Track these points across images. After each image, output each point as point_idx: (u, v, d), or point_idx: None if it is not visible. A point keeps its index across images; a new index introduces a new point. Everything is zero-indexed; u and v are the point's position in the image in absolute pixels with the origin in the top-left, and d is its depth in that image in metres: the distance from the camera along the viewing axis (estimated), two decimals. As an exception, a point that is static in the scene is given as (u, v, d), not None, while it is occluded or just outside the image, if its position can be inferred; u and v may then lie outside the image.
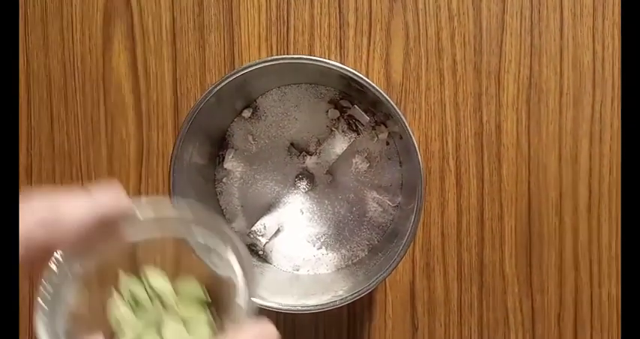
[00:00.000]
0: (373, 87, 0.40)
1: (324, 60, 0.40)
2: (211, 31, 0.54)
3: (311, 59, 0.40)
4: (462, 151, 0.53)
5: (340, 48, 0.53)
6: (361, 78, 0.40)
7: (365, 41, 0.53)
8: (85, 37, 0.55)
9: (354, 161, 0.48)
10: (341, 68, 0.40)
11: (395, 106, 0.40)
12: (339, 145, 0.47)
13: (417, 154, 0.38)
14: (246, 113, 0.49)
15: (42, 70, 0.55)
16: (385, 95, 0.40)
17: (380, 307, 0.53)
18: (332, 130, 0.48)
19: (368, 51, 0.53)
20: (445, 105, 0.53)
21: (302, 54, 0.53)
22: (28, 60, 0.55)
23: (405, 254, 0.41)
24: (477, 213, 0.53)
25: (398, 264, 0.40)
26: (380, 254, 0.45)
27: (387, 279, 0.53)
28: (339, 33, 0.53)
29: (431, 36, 0.53)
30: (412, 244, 0.53)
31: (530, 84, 0.52)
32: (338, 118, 0.48)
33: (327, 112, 0.48)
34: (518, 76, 0.52)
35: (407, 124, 0.39)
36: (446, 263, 0.53)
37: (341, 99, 0.48)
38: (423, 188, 0.39)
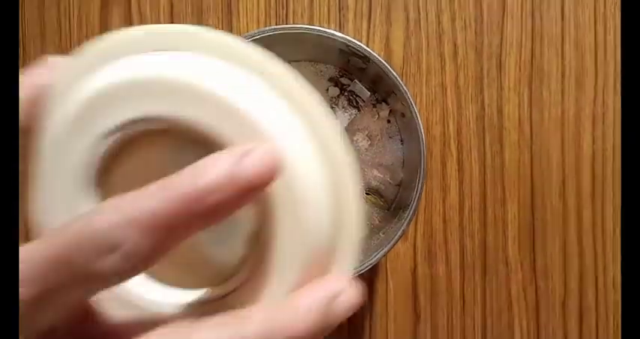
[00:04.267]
0: (373, 55, 0.39)
1: (324, 29, 0.39)
2: (210, 16, 0.53)
3: (310, 28, 0.39)
4: (464, 135, 0.52)
5: (340, 31, 0.53)
6: (362, 47, 0.39)
7: (365, 24, 0.52)
8: (82, 24, 0.54)
9: (354, 139, 0.48)
10: (341, 38, 0.39)
11: (394, 73, 0.39)
12: (340, 121, 0.46)
13: (417, 120, 0.37)
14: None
15: (38, 58, 0.55)
16: (387, 65, 0.39)
17: (381, 296, 0.52)
18: (332, 107, 0.47)
19: (368, 34, 0.53)
20: (446, 88, 0.52)
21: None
22: (25, 48, 0.55)
23: (407, 228, 0.40)
24: (479, 198, 0.52)
25: (400, 238, 0.39)
26: (381, 234, 0.45)
27: (387, 266, 0.52)
28: (338, 16, 0.53)
29: (431, 19, 0.52)
30: (414, 231, 0.52)
31: (531, 66, 0.52)
32: (338, 96, 0.47)
33: (327, 89, 0.48)
34: (520, 59, 0.52)
35: (406, 89, 0.39)
36: (448, 250, 0.52)
37: (341, 77, 0.48)
38: (425, 157, 0.38)
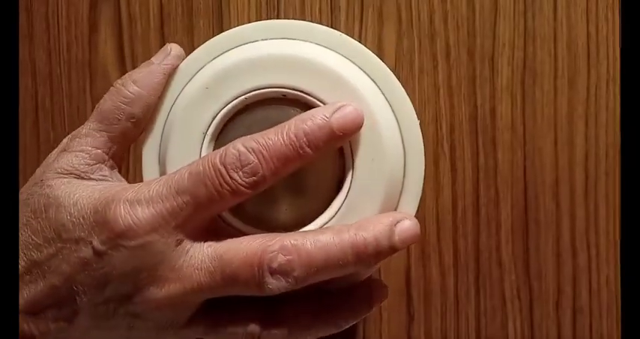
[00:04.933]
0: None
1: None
2: (200, 17, 0.53)
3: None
4: (457, 136, 0.52)
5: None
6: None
7: (357, 25, 0.52)
8: (70, 24, 0.54)
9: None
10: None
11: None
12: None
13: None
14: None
15: (27, 59, 0.54)
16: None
17: (375, 297, 0.52)
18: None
19: (360, 36, 0.52)
20: (439, 89, 0.52)
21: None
22: (13, 48, 0.54)
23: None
24: (472, 199, 0.52)
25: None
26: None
27: (380, 267, 0.52)
28: (330, 17, 0.52)
29: (424, 19, 0.52)
30: (407, 232, 0.52)
31: (524, 67, 0.52)
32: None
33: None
34: (512, 59, 0.52)
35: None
36: (441, 251, 0.52)
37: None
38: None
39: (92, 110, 0.53)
